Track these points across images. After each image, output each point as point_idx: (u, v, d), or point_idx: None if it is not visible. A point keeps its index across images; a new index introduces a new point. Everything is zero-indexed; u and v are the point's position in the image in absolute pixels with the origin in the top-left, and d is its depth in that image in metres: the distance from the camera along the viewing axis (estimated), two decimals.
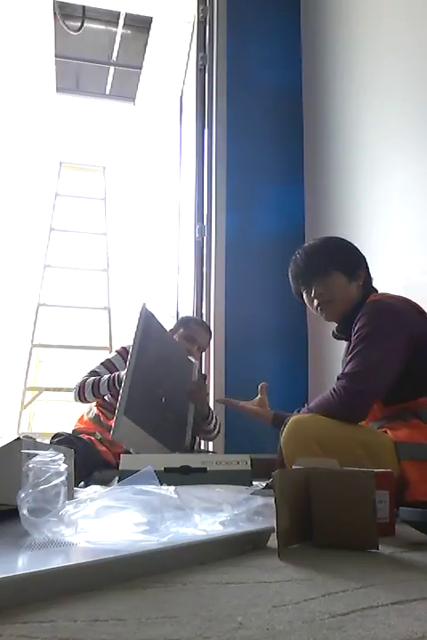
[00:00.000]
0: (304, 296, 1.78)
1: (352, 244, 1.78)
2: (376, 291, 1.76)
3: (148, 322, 2.17)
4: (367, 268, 1.76)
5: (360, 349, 1.55)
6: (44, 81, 5.58)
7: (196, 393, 2.33)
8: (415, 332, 1.55)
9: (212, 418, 2.47)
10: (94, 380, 2.28)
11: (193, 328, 2.55)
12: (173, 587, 0.70)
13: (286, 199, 3.36)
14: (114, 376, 2.24)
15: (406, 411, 1.53)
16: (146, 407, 2.03)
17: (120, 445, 2.07)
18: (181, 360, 2.39)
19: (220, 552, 0.86)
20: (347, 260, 1.72)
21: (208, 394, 2.53)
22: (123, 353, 2.43)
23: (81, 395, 2.29)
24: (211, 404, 3.00)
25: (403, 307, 1.60)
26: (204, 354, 3.19)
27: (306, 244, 1.82)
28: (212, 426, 2.48)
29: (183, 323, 2.59)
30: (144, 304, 2.19)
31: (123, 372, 2.11)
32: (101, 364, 2.43)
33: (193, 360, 2.44)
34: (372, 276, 1.79)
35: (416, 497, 1.30)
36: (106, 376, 2.28)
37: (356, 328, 1.59)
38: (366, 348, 1.54)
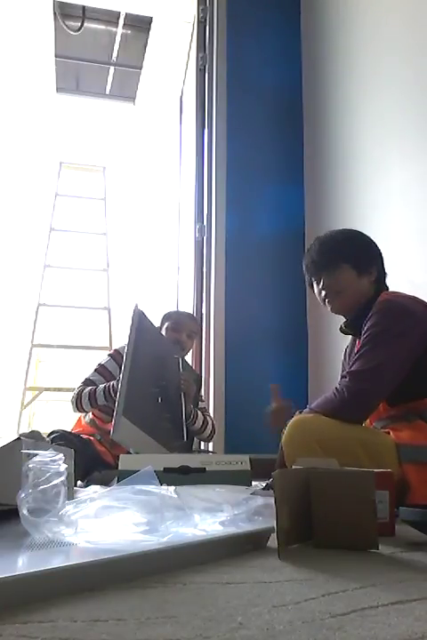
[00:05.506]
0: (314, 287, 1.78)
1: (370, 240, 1.77)
2: (388, 288, 1.75)
3: (141, 322, 2.18)
4: (382, 265, 1.75)
5: (368, 349, 1.53)
6: (44, 81, 5.58)
7: (185, 383, 2.31)
8: (426, 332, 1.54)
9: (195, 416, 2.39)
10: (90, 392, 2.28)
11: (176, 317, 2.58)
12: (173, 587, 0.70)
13: (286, 199, 3.36)
14: (109, 386, 2.24)
15: (410, 411, 1.52)
16: (144, 408, 2.03)
17: (120, 446, 2.07)
18: (172, 358, 2.39)
19: (220, 552, 0.86)
20: (359, 255, 1.71)
21: (195, 390, 2.44)
22: (116, 356, 2.43)
23: (79, 406, 2.31)
24: (211, 407, 3.00)
25: (415, 306, 1.58)
26: (203, 354, 3.19)
27: (322, 235, 1.81)
28: (197, 426, 2.40)
29: (166, 316, 2.60)
30: (136, 304, 2.20)
31: (116, 383, 2.13)
32: (95, 370, 2.43)
33: (178, 356, 2.43)
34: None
35: (418, 501, 1.29)
36: (101, 386, 2.28)
37: (366, 326, 1.58)
38: (374, 347, 1.52)
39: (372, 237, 1.80)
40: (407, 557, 0.94)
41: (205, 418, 2.45)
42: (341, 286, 1.69)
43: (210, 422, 2.47)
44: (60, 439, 2.07)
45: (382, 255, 1.77)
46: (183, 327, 2.52)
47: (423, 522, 1.04)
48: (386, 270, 1.77)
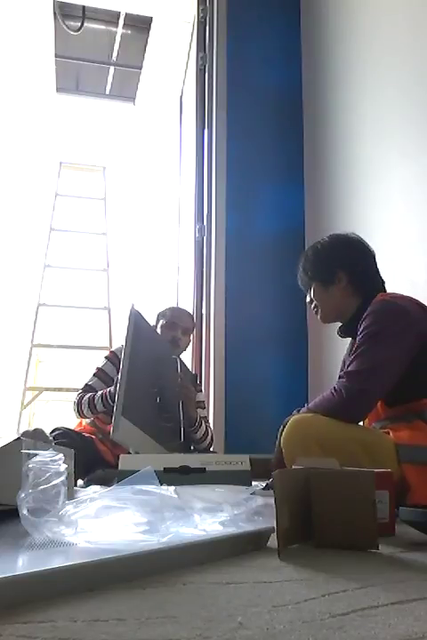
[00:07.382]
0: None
1: (333, 244, 1.80)
2: (383, 288, 1.75)
3: (137, 322, 2.18)
4: (356, 266, 1.74)
5: (364, 349, 1.54)
6: (44, 81, 5.58)
7: (185, 389, 2.31)
8: (422, 332, 1.54)
9: (199, 425, 2.36)
10: (90, 398, 2.30)
11: (170, 314, 2.57)
12: (173, 587, 0.70)
13: (286, 199, 3.36)
14: (105, 393, 2.25)
15: (409, 411, 1.52)
16: (143, 408, 2.04)
17: (121, 446, 2.07)
18: (169, 358, 2.39)
19: (220, 552, 0.86)
20: (321, 270, 1.79)
21: (194, 396, 2.39)
22: (112, 358, 2.44)
23: (81, 413, 2.33)
24: (211, 407, 3.00)
25: (410, 306, 1.59)
26: (204, 353, 3.19)
27: (307, 249, 1.91)
28: (199, 435, 2.37)
29: (161, 314, 2.60)
30: (132, 305, 2.20)
31: (113, 388, 2.14)
32: (94, 375, 2.44)
33: (177, 357, 2.43)
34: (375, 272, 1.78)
35: (417, 501, 1.29)
36: (99, 393, 2.29)
37: (361, 327, 1.59)
38: (370, 347, 1.53)
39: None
40: (407, 557, 0.94)
41: (206, 428, 2.43)
42: (317, 302, 1.81)
43: (210, 434, 2.45)
44: (63, 436, 2.08)
45: (358, 253, 1.76)
46: (179, 324, 2.52)
47: (423, 522, 1.04)
48: (373, 268, 1.77)
